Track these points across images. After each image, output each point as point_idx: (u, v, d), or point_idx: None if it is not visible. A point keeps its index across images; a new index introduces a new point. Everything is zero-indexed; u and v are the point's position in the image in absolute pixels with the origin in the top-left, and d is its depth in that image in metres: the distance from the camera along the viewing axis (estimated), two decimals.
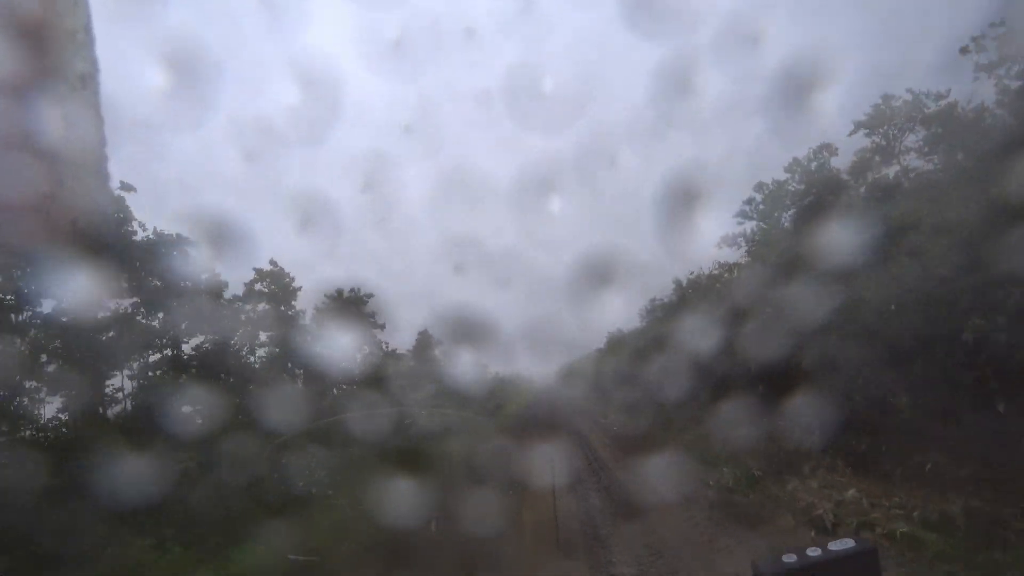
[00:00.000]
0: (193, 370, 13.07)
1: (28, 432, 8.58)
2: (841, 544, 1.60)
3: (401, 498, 7.57)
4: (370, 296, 17.33)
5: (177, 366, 12.76)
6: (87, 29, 0.82)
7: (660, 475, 8.88)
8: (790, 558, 1.58)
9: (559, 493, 8.49)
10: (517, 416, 20.26)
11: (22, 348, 10.03)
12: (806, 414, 8.14)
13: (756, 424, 9.14)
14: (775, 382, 9.21)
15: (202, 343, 13.22)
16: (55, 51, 0.79)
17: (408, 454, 10.48)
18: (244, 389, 12.27)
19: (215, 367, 13.13)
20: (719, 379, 11.33)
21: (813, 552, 1.60)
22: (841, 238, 8.90)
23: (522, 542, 6.94)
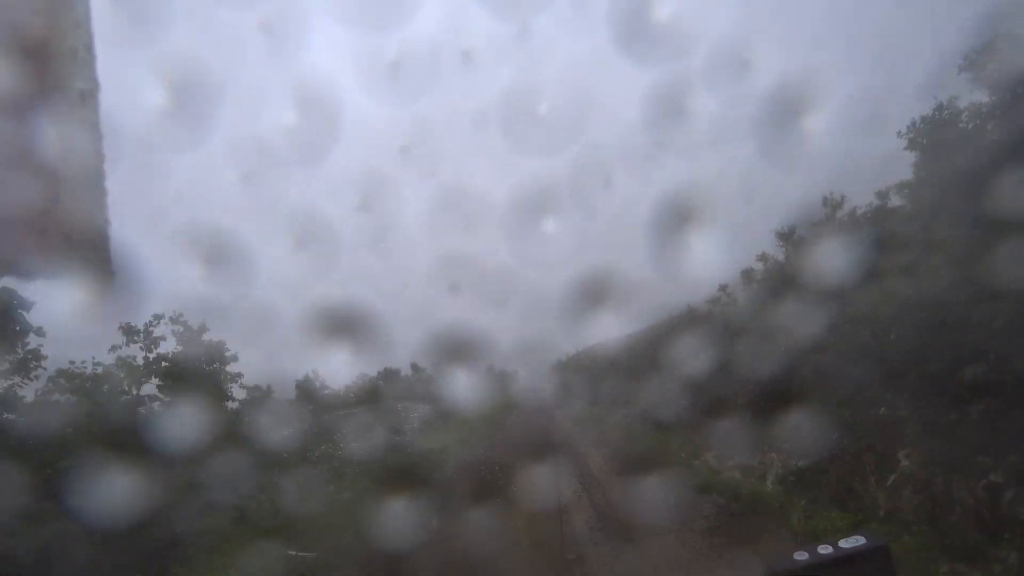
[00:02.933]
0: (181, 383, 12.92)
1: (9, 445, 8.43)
2: (853, 541, 1.60)
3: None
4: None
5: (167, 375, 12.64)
6: (88, 48, 0.83)
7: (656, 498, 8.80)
8: (801, 556, 1.59)
9: (550, 515, 8.39)
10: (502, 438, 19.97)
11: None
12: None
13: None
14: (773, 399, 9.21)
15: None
16: (56, 68, 0.79)
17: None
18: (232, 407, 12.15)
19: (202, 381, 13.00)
20: (716, 397, 11.32)
21: (824, 549, 1.61)
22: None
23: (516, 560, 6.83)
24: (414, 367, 22.40)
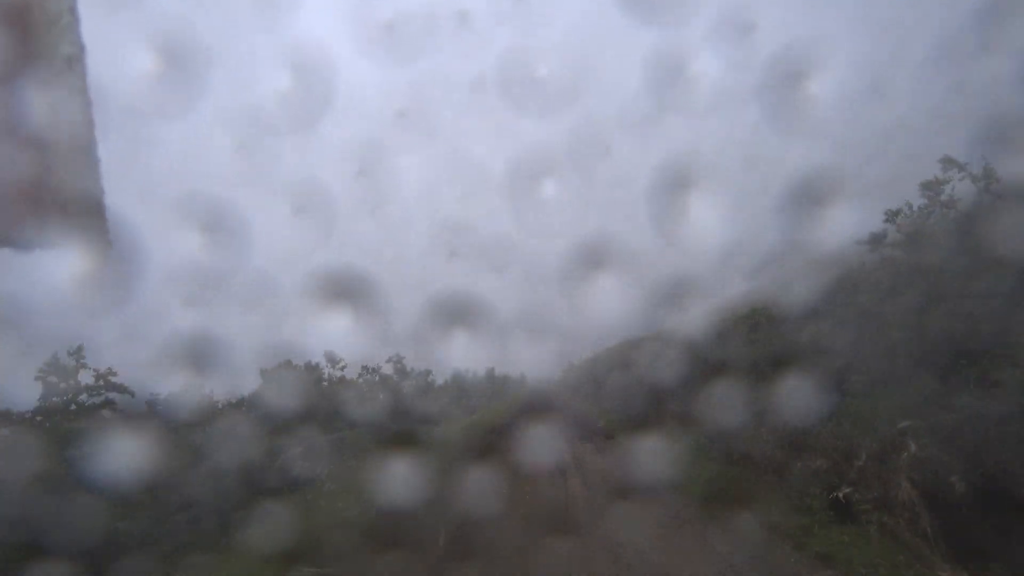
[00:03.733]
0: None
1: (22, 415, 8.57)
2: None
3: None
4: None
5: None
6: (72, 11, 0.81)
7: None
8: None
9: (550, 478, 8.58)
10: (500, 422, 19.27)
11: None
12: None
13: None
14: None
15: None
16: (39, 33, 0.77)
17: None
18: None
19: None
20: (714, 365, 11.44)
21: None
22: None
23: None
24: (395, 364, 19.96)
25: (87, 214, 0.84)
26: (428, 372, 21.73)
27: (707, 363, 12.94)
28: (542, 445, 9.67)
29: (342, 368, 15.90)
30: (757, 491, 7.62)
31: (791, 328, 10.02)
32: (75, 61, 0.80)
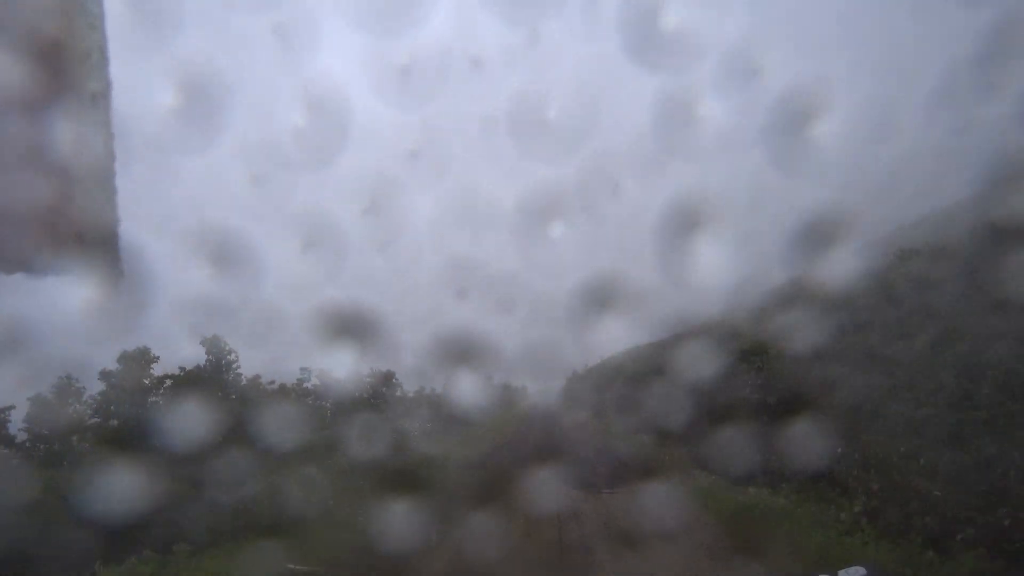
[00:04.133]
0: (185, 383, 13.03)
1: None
2: (853, 572, 1.50)
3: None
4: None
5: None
6: (102, 49, 0.85)
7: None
8: None
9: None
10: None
11: None
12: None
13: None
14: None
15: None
16: (69, 69, 0.81)
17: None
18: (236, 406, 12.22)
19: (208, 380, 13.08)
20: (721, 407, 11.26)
21: None
22: None
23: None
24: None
25: (101, 243, 0.86)
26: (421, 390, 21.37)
27: (713, 403, 12.73)
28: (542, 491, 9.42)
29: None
30: (764, 538, 7.37)
31: (799, 368, 9.88)
32: (101, 97, 0.84)
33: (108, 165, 0.87)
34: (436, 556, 7.05)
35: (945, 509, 5.76)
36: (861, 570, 1.48)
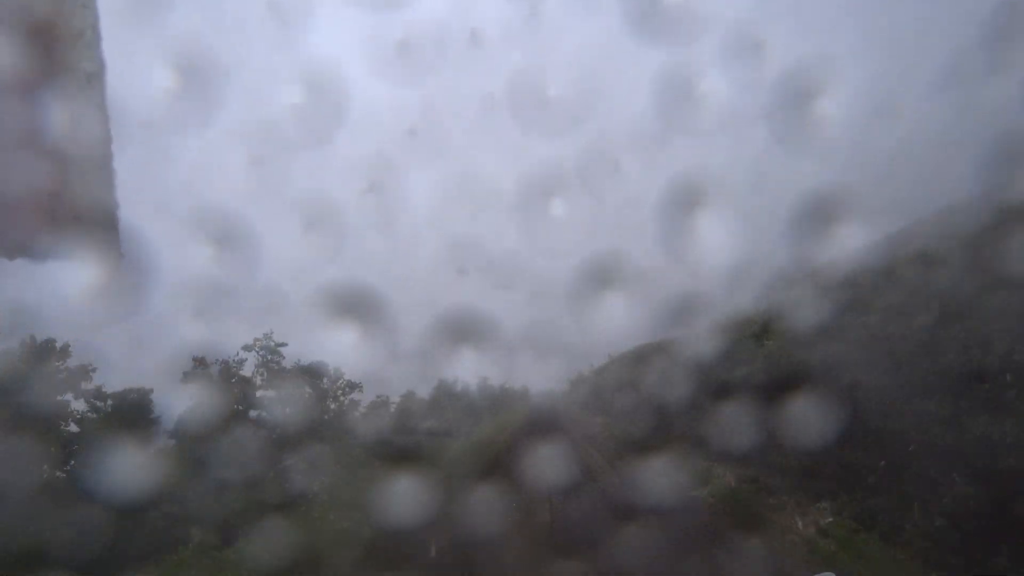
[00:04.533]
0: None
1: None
2: None
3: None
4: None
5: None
6: (94, 29, 0.83)
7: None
8: None
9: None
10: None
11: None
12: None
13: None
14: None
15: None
16: (62, 50, 0.80)
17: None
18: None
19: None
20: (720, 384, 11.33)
21: None
22: None
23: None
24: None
25: (101, 226, 0.86)
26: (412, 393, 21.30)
27: (715, 381, 12.81)
28: (545, 465, 9.53)
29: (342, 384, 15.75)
30: (766, 512, 7.49)
31: (801, 348, 9.91)
32: (95, 78, 0.82)
33: (105, 147, 0.86)
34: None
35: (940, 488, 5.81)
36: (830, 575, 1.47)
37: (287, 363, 14.83)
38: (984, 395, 5.82)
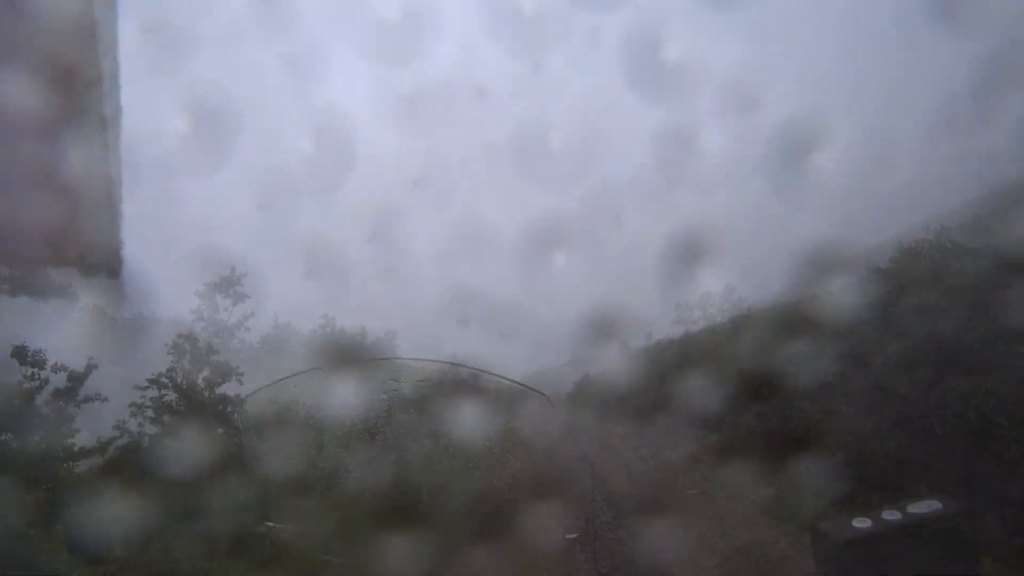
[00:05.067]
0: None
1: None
2: (925, 506, 1.31)
3: None
4: None
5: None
6: (114, 76, 0.86)
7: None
8: (862, 523, 1.31)
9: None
10: None
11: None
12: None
13: None
14: None
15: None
16: (82, 94, 0.82)
17: None
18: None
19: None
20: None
21: (891, 515, 1.31)
22: None
23: None
24: None
25: (104, 266, 0.86)
26: None
27: (715, 435, 12.53)
28: None
29: None
30: None
31: (803, 402, 9.76)
32: (111, 122, 0.85)
33: (115, 189, 0.87)
34: None
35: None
36: (935, 503, 1.26)
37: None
38: None
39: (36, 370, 6.84)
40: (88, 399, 7.56)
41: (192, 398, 8.48)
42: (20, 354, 6.65)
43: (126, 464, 7.09)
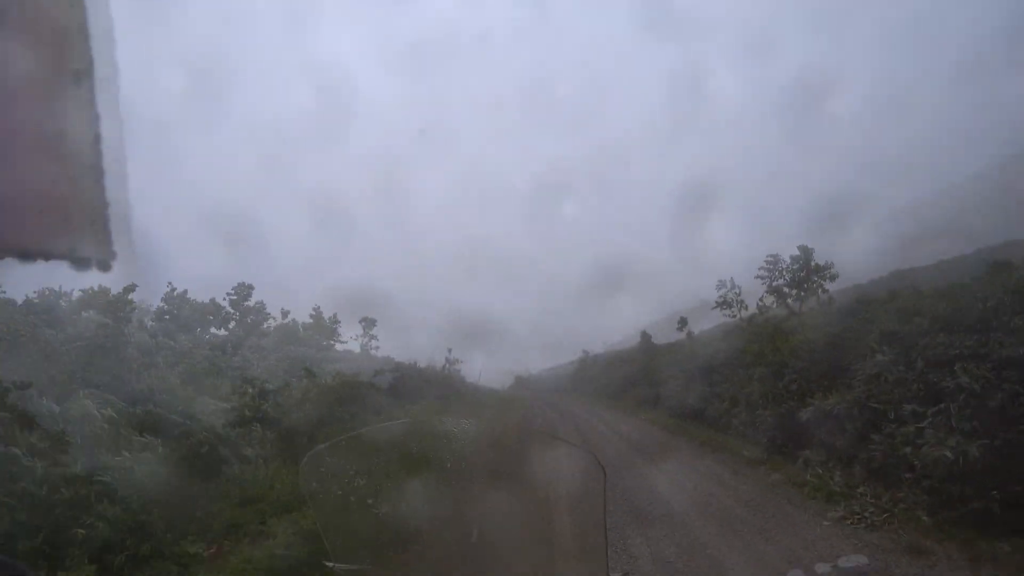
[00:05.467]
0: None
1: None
2: (853, 560, 1.39)
3: None
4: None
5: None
6: (108, 32, 0.83)
7: None
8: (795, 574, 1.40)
9: None
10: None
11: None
12: None
13: None
14: None
15: None
16: (75, 54, 0.79)
17: None
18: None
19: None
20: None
21: (821, 568, 1.39)
22: None
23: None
24: None
25: (90, 226, 0.84)
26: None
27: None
28: None
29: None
30: None
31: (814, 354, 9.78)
32: (108, 81, 0.82)
33: (118, 150, 0.85)
34: None
35: None
36: (862, 558, 1.36)
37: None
38: None
39: None
40: None
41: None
42: None
43: None
